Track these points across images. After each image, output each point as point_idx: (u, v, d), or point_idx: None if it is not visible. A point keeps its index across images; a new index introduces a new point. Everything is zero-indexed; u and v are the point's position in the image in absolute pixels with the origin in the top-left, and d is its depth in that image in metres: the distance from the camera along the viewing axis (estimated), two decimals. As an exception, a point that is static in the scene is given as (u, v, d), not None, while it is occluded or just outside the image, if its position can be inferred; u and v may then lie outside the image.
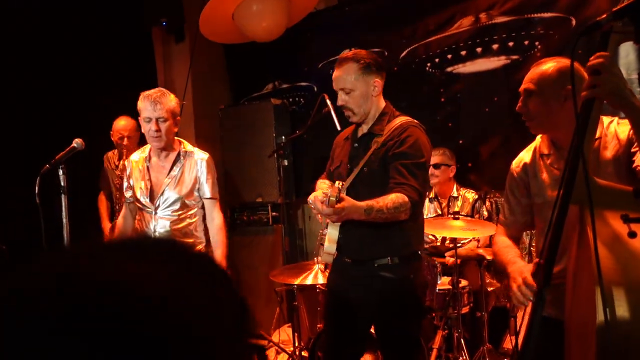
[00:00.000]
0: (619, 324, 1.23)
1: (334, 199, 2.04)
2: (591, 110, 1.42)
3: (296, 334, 3.61)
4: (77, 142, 2.53)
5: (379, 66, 2.41)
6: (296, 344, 3.61)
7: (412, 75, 4.43)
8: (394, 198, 2.18)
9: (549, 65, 1.84)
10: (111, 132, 3.97)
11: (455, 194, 3.87)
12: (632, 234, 1.15)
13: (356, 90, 2.34)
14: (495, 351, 3.41)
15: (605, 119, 1.85)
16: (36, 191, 2.37)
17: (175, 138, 2.85)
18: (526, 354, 1.65)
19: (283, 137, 4.58)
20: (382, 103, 2.45)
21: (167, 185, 2.74)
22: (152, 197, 2.75)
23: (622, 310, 1.24)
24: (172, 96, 2.73)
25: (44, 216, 2.45)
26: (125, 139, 3.92)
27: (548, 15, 3.86)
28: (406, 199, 2.19)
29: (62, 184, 2.49)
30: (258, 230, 4.85)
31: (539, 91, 1.83)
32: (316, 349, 3.22)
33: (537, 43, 3.91)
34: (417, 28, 4.39)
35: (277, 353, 4.04)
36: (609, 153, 1.76)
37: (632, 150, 1.71)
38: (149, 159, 2.82)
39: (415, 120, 2.43)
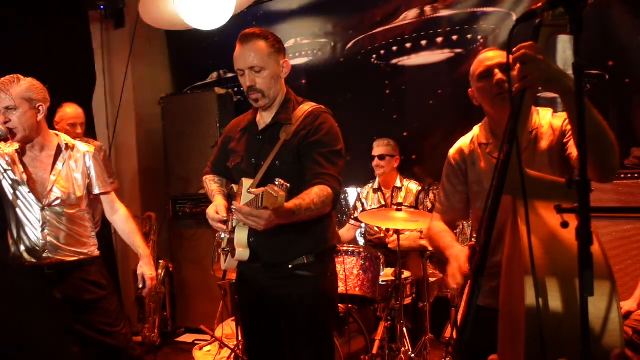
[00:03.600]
0: (549, 313, 1.23)
1: (283, 198, 1.73)
2: (522, 100, 1.43)
3: (239, 328, 3.55)
4: (0, 129, 2.36)
5: (284, 48, 2.18)
6: (239, 338, 3.55)
7: (358, 67, 4.42)
8: (318, 192, 1.98)
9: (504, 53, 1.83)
10: (56, 120, 3.72)
11: (398, 185, 3.90)
12: (565, 224, 1.15)
13: (267, 69, 2.07)
14: (437, 341, 3.46)
15: (542, 111, 1.87)
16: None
17: (53, 131, 2.58)
18: (461, 341, 1.66)
19: (227, 128, 4.49)
20: (285, 89, 2.20)
21: (54, 184, 2.49)
22: (37, 195, 2.47)
23: (552, 299, 1.25)
24: (25, 81, 2.41)
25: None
26: (78, 126, 3.73)
27: (491, 10, 3.93)
28: (329, 190, 2.01)
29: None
30: (201, 222, 4.73)
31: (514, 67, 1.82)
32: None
33: (479, 37, 3.97)
34: (364, 19, 4.38)
35: (220, 347, 3.97)
36: (544, 144, 1.79)
37: (565, 140, 1.74)
38: (22, 152, 2.49)
39: (323, 106, 2.21)
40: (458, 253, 1.78)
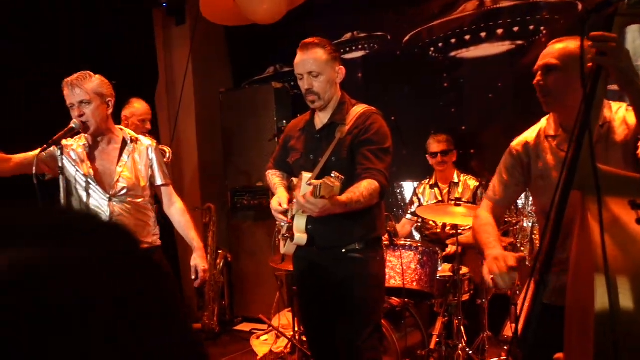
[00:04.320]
0: (620, 312, 1.20)
1: (337, 188, 2.00)
2: (597, 85, 1.38)
3: (296, 319, 3.61)
4: (75, 123, 2.49)
5: (340, 56, 2.44)
6: (296, 329, 3.61)
7: (415, 60, 4.38)
8: (367, 185, 2.22)
9: (571, 42, 1.80)
10: (126, 115, 3.82)
11: (456, 180, 3.84)
12: (640, 221, 1.12)
13: (324, 74, 2.33)
14: (495, 338, 3.41)
15: (614, 105, 1.81)
16: (33, 171, 2.34)
17: (117, 126, 2.71)
18: (526, 340, 1.64)
19: (284, 121, 4.54)
20: (339, 92, 2.45)
21: (121, 175, 2.60)
22: (103, 187, 2.58)
23: (623, 297, 1.21)
24: (96, 77, 2.55)
25: (42, 196, 2.43)
26: (148, 122, 3.85)
27: (554, 0, 3.80)
28: (376, 184, 2.24)
29: (59, 164, 2.47)
30: (258, 214, 4.83)
31: (563, 66, 1.78)
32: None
33: (542, 28, 3.86)
34: (421, 11, 4.33)
35: (277, 337, 4.05)
36: (617, 138, 1.73)
37: None
38: (88, 146, 2.63)
39: (374, 108, 2.45)
40: (505, 254, 1.75)
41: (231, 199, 4.90)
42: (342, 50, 4.59)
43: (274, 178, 2.62)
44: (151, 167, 2.71)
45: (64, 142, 2.54)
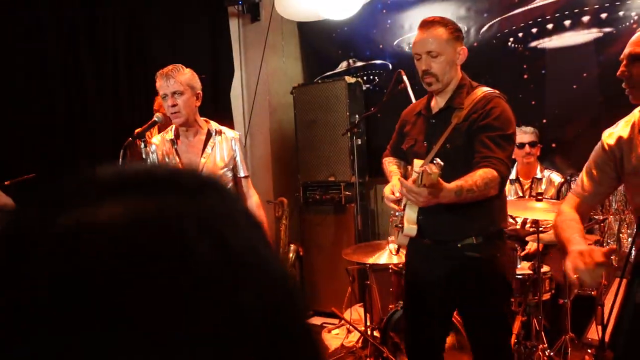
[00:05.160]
0: None
1: (436, 176, 1.84)
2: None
3: (368, 314, 3.59)
4: (157, 116, 2.60)
5: (462, 36, 2.29)
6: (368, 323, 3.59)
7: (493, 51, 4.23)
8: (482, 174, 2.03)
9: None
10: (155, 108, 3.96)
11: (539, 175, 3.68)
12: None
13: (443, 54, 2.17)
14: (579, 341, 3.24)
15: None
16: (119, 163, 2.46)
17: (203, 118, 2.79)
18: (617, 342, 1.55)
19: (357, 116, 4.53)
20: (460, 74, 2.29)
21: (204, 166, 2.68)
22: None
23: None
24: (187, 70, 2.66)
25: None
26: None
27: (648, -17, 3.56)
28: (495, 173, 2.05)
29: (143, 156, 2.58)
30: (330, 209, 4.84)
31: None
32: (388, 329, 3.19)
33: (634, 14, 3.62)
34: (500, 1, 4.18)
35: (349, 332, 4.05)
36: None
37: None
38: (176, 141, 2.74)
39: (497, 91, 2.26)
40: (591, 249, 1.64)
41: (303, 193, 4.94)
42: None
43: (390, 165, 2.49)
44: (234, 158, 2.77)
45: (150, 135, 2.67)
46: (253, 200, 2.84)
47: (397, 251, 2.94)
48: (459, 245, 2.20)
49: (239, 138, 2.82)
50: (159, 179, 0.37)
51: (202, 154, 2.71)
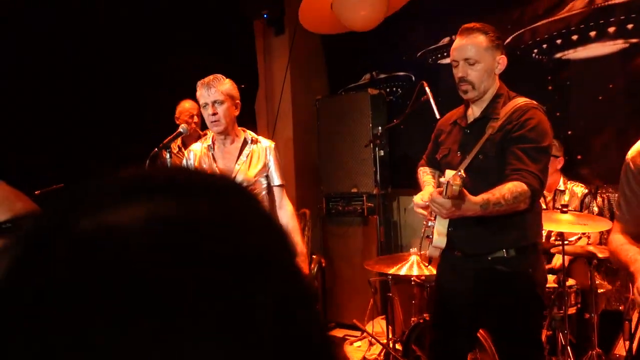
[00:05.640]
0: None
1: (457, 187, 1.81)
2: None
3: (390, 326, 3.57)
4: (182, 127, 2.66)
5: (503, 45, 2.24)
6: (390, 336, 3.57)
7: (517, 63, 4.19)
8: (511, 187, 1.98)
9: None
10: (176, 116, 4.02)
11: (562, 188, 3.63)
12: None
13: (481, 62, 2.13)
14: (606, 356, 3.17)
15: None
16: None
17: (239, 127, 2.85)
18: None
19: (380, 128, 4.53)
20: (498, 83, 2.25)
21: (238, 172, 2.74)
22: None
23: None
24: (227, 80, 2.72)
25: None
26: (195, 117, 3.99)
27: (674, -6, 3.52)
28: (525, 187, 1.99)
29: (189, 163, 2.65)
30: (352, 220, 4.84)
31: None
32: (410, 342, 3.16)
33: (661, 25, 3.57)
34: (524, 12, 4.17)
35: (371, 344, 4.03)
36: None
37: None
38: (212, 147, 2.82)
39: (535, 102, 2.22)
40: None
41: (326, 205, 4.96)
42: (438, 55, 4.52)
43: (424, 175, 2.44)
44: (268, 167, 2.81)
45: (175, 147, 2.73)
46: (287, 209, 2.87)
47: (429, 262, 2.89)
48: (489, 258, 2.15)
49: (273, 147, 2.86)
50: (179, 182, 0.38)
51: (237, 161, 2.77)
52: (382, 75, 5.00)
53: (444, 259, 2.30)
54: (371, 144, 4.22)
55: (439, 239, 2.12)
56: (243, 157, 2.78)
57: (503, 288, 2.14)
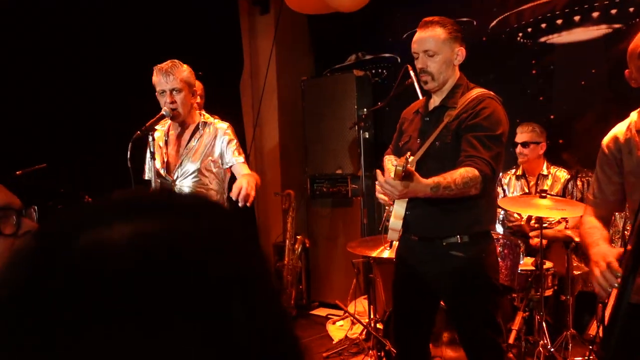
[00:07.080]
0: None
1: (401, 168, 1.91)
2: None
3: (372, 306, 3.63)
4: (165, 110, 2.63)
5: (462, 37, 2.31)
6: (371, 316, 3.63)
7: (502, 46, 4.22)
8: (463, 172, 2.06)
9: None
10: None
11: (545, 172, 3.68)
12: None
13: (440, 54, 2.22)
14: (580, 337, 3.26)
15: None
16: (128, 156, 2.49)
17: (198, 111, 2.80)
18: (610, 340, 1.57)
19: (365, 109, 4.54)
20: (458, 74, 2.33)
21: (185, 157, 2.70)
22: (169, 169, 2.72)
23: None
24: (185, 66, 2.66)
25: (135, 179, 2.60)
26: (198, 96, 3.98)
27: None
28: (477, 172, 2.06)
29: (151, 149, 2.62)
30: (337, 202, 4.88)
31: None
32: (391, 322, 3.22)
33: (644, 10, 3.59)
34: (510, -5, 4.16)
35: (353, 323, 4.09)
36: None
37: None
38: (167, 133, 2.78)
39: (492, 92, 2.30)
40: (605, 251, 1.66)
41: (310, 186, 4.98)
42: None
43: (388, 163, 2.52)
44: (222, 149, 2.75)
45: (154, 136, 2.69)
46: (244, 172, 2.69)
47: (390, 245, 2.97)
48: (444, 243, 2.24)
49: (226, 128, 2.77)
50: (163, 203, 0.44)
51: (186, 146, 2.73)
52: (368, 57, 4.98)
53: (402, 242, 2.40)
54: (356, 126, 4.22)
55: (395, 222, 2.20)
56: (193, 142, 2.72)
57: (456, 272, 2.22)
